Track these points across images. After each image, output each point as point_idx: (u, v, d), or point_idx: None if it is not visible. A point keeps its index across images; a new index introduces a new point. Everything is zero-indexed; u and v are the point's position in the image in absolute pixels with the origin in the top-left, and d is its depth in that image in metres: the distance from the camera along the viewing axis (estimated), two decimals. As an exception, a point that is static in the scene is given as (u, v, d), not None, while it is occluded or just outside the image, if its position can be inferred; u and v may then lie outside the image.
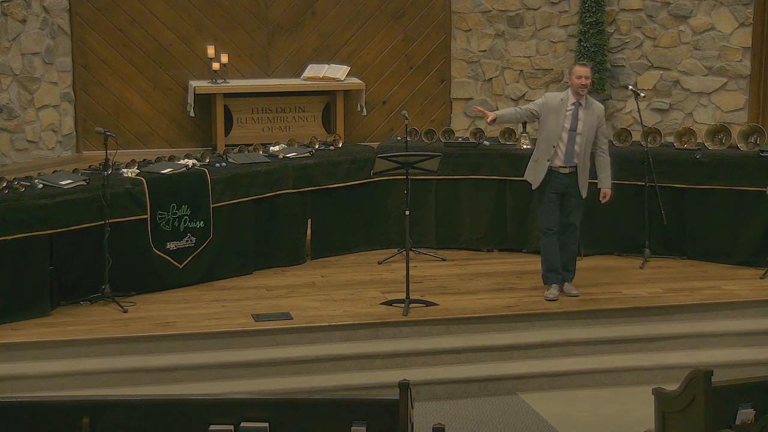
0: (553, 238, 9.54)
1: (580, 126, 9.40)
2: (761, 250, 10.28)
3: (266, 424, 5.90)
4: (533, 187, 9.61)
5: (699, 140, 10.80)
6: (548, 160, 9.43)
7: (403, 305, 9.26)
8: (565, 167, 9.43)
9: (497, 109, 14.45)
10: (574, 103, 9.43)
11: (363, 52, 14.41)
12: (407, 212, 9.38)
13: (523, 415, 8.45)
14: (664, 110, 14.06)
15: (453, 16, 14.50)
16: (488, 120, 9.61)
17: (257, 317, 9.15)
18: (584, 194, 9.51)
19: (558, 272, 9.61)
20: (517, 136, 11.04)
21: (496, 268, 10.46)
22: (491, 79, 14.49)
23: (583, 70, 9.45)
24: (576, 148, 9.40)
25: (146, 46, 13.89)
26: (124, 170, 9.87)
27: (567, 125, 9.40)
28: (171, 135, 14.08)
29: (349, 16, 14.33)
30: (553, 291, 9.57)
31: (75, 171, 9.98)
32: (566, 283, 9.67)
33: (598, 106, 9.54)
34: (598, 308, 9.44)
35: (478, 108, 10.00)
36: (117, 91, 13.86)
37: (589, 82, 9.43)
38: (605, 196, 9.59)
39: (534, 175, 9.56)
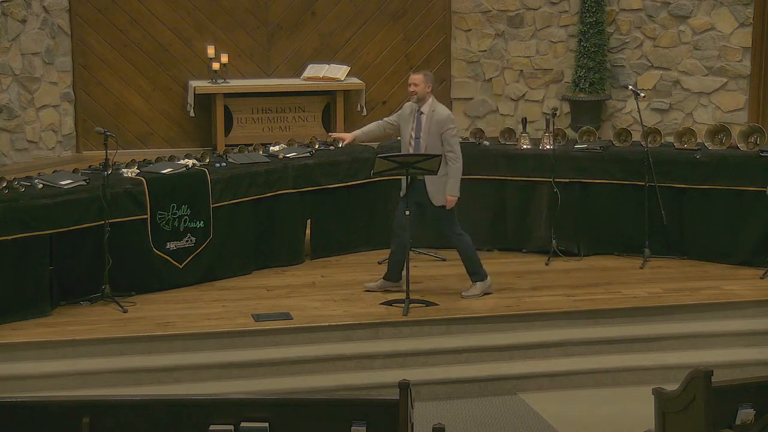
0: (399, 240, 9.48)
1: (422, 134, 9.40)
2: (761, 250, 10.28)
3: (266, 424, 5.91)
4: (401, 194, 9.65)
5: (699, 140, 10.80)
6: None
7: (403, 305, 9.26)
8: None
9: (497, 109, 14.49)
10: (418, 111, 9.44)
11: (363, 52, 14.41)
12: (407, 212, 9.38)
13: (523, 415, 8.45)
14: (664, 110, 14.06)
15: (453, 16, 14.50)
16: (345, 142, 9.83)
17: (257, 317, 9.15)
18: (436, 203, 9.41)
19: (393, 271, 9.63)
20: (517, 136, 11.04)
21: (496, 268, 10.44)
22: (491, 79, 14.49)
23: (410, 77, 9.50)
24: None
25: (146, 46, 13.89)
26: (124, 170, 9.87)
27: (413, 133, 9.44)
28: (171, 135, 14.08)
29: (349, 16, 14.33)
30: (372, 284, 9.71)
31: (75, 171, 9.98)
32: (471, 284, 9.67)
33: (440, 113, 9.43)
34: (598, 308, 9.44)
35: (334, 134, 9.97)
36: (117, 91, 13.87)
37: (417, 89, 9.35)
38: (447, 203, 9.47)
39: (402, 182, 9.61)
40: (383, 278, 9.74)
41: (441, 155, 9.58)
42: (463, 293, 9.60)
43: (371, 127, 9.94)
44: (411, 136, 9.45)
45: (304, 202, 10.59)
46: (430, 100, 9.46)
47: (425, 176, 9.36)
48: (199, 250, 9.92)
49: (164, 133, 14.06)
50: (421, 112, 9.43)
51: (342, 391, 8.43)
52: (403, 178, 9.44)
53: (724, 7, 13.71)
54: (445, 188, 9.41)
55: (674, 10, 13.90)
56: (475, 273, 9.65)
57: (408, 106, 9.58)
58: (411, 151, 9.46)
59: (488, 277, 9.68)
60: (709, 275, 10.22)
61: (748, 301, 9.59)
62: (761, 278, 10.07)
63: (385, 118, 9.91)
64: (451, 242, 9.69)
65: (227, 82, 13.80)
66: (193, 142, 14.06)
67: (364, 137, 10.00)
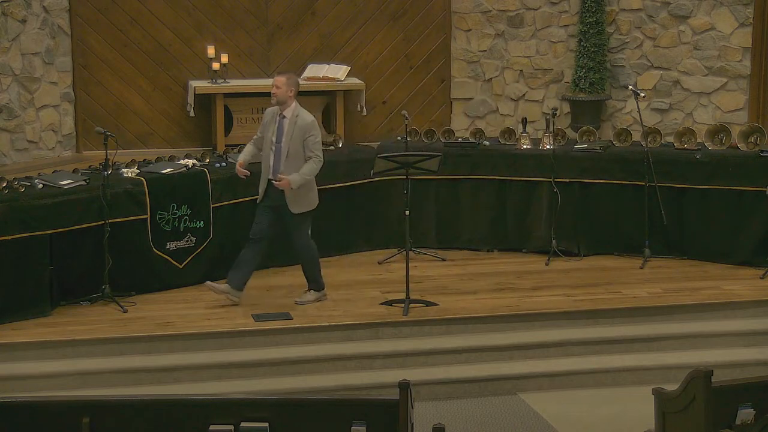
0: (254, 246, 9.36)
1: (284, 139, 9.20)
2: (761, 250, 10.29)
3: (266, 424, 5.91)
4: (257, 201, 9.45)
5: (699, 140, 10.80)
6: (268, 172, 9.28)
7: (403, 305, 9.26)
8: (275, 180, 9.23)
9: (497, 109, 14.50)
10: (280, 115, 9.26)
11: (363, 52, 14.40)
12: (407, 212, 9.38)
13: (523, 415, 8.45)
14: (664, 110, 14.06)
15: (453, 16, 14.49)
16: (244, 175, 9.39)
17: (257, 317, 9.15)
18: (294, 210, 9.22)
19: (239, 272, 9.35)
20: (517, 136, 11.05)
21: (496, 268, 10.46)
22: (491, 79, 14.49)
23: (274, 79, 9.30)
24: (281, 160, 9.20)
25: (146, 46, 13.88)
26: (124, 170, 9.88)
27: (274, 138, 9.24)
28: (171, 135, 14.07)
29: (349, 16, 14.33)
30: (217, 284, 9.48)
31: (75, 171, 9.99)
32: (304, 292, 9.56)
33: (303, 119, 9.24)
34: (598, 308, 9.44)
35: (240, 171, 9.50)
36: (117, 91, 13.86)
37: (279, 92, 9.17)
38: (282, 182, 9.13)
39: (259, 187, 9.42)
40: (229, 284, 9.43)
41: (441, 155, 9.59)
42: (296, 300, 9.46)
43: (248, 148, 9.56)
44: (272, 141, 9.22)
45: (304, 202, 10.58)
46: (294, 105, 9.25)
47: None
48: (199, 250, 9.92)
49: (164, 133, 14.05)
50: (284, 117, 9.23)
51: (342, 391, 8.44)
52: (261, 183, 9.27)
53: (724, 7, 13.70)
54: (302, 196, 9.22)
55: (674, 10, 13.89)
56: (314, 281, 9.52)
57: (269, 112, 9.39)
58: (272, 157, 9.21)
59: (324, 288, 9.55)
60: (709, 275, 10.22)
61: (748, 301, 9.60)
62: (761, 278, 10.07)
63: (255, 136, 9.57)
64: (296, 250, 9.44)
65: (227, 82, 13.79)
66: (193, 142, 14.05)
67: (250, 159, 9.52)
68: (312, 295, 9.50)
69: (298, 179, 9.15)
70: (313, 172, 9.26)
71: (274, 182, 9.22)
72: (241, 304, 9.44)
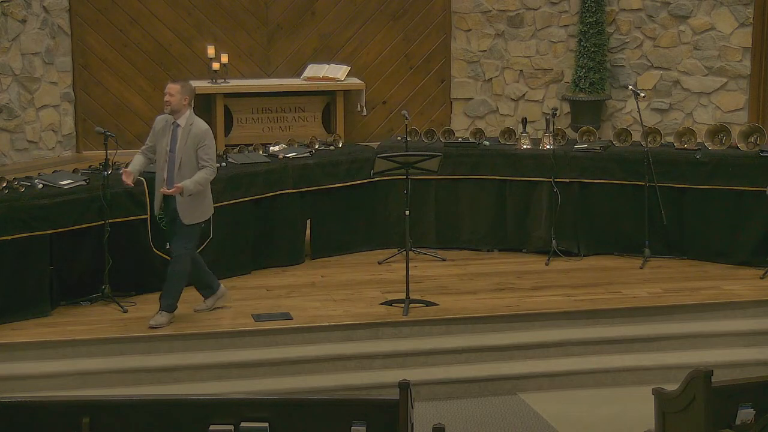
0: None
1: (177, 148, 8.89)
2: (761, 250, 10.28)
3: (266, 424, 5.91)
4: (155, 212, 9.20)
5: (699, 140, 10.80)
6: (162, 184, 8.95)
7: (403, 305, 9.26)
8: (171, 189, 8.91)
9: (497, 109, 14.50)
10: (174, 124, 8.93)
11: (363, 52, 14.41)
12: (407, 212, 9.38)
13: (523, 415, 8.45)
14: (664, 110, 14.06)
15: (453, 16, 14.50)
16: (130, 180, 8.96)
17: (257, 317, 9.15)
18: (186, 221, 8.84)
19: (203, 286, 9.23)
20: (517, 136, 11.05)
21: (496, 268, 10.46)
22: (491, 79, 14.49)
23: (168, 87, 8.93)
24: (176, 170, 8.86)
25: (146, 46, 13.89)
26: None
27: (169, 147, 8.91)
28: (171, 135, 14.07)
29: (349, 16, 14.33)
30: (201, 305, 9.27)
31: (75, 171, 9.99)
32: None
33: (198, 127, 8.89)
34: (598, 308, 9.44)
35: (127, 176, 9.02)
36: (117, 91, 13.86)
37: (173, 99, 8.81)
38: (174, 189, 8.74)
39: (155, 199, 9.12)
40: (207, 299, 9.31)
41: (441, 155, 9.58)
42: (151, 322, 8.92)
43: (137, 158, 9.06)
44: (166, 150, 8.89)
45: (304, 202, 10.59)
46: (188, 113, 8.93)
47: (176, 195, 8.81)
48: (198, 251, 9.90)
49: (164, 133, 14.04)
50: (177, 125, 8.91)
51: (342, 391, 8.43)
52: (156, 195, 8.96)
53: (724, 7, 13.71)
54: (194, 207, 8.90)
55: (674, 10, 13.90)
56: (163, 300, 8.95)
57: (161, 119, 9.06)
58: (166, 168, 8.85)
59: (174, 311, 9.00)
60: (709, 275, 10.22)
61: (748, 301, 9.59)
62: (761, 278, 10.07)
63: (144, 146, 9.22)
64: (171, 258, 9.07)
65: (227, 82, 13.79)
66: (193, 142, 14.04)
67: (140, 169, 9.16)
68: (164, 316, 8.95)
69: (191, 186, 8.78)
70: (206, 180, 8.90)
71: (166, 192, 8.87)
72: (241, 304, 9.44)
